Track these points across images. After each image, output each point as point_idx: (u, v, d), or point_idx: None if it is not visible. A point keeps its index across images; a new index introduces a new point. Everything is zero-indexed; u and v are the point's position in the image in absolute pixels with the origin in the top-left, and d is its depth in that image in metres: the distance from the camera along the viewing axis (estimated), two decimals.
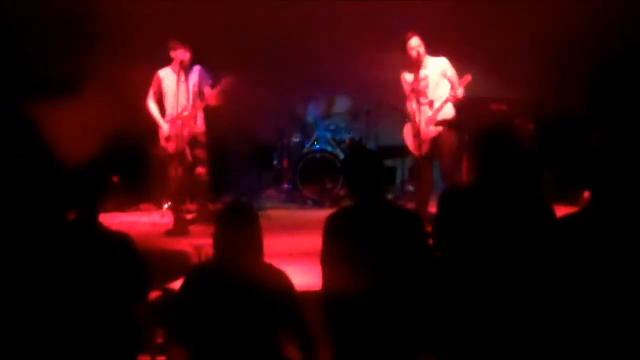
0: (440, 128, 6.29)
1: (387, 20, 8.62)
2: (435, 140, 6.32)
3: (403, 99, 6.52)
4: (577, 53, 7.81)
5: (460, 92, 6.19)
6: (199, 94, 6.66)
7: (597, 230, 2.75)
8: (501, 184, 3.02)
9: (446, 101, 6.24)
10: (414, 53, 6.22)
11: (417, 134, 6.35)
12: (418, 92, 6.29)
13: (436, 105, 6.27)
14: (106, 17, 7.66)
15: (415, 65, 6.28)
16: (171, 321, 3.28)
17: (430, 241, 3.28)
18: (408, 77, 6.37)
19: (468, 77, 6.19)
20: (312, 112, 8.75)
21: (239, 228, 3.20)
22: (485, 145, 3.07)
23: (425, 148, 6.34)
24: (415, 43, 6.22)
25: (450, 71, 6.30)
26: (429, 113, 6.28)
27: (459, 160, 6.40)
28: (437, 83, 6.30)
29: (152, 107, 6.69)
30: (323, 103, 8.69)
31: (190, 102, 6.63)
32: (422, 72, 6.30)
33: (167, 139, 6.59)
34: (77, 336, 3.06)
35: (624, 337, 2.66)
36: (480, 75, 8.12)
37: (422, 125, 6.31)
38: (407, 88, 6.40)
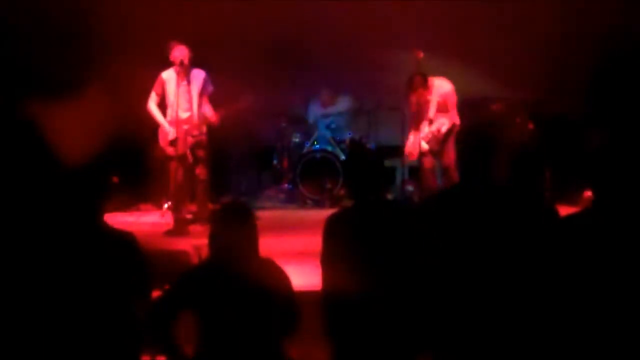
0: (427, 147, 6.82)
1: (387, 20, 8.61)
2: (422, 155, 6.89)
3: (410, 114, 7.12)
4: (577, 53, 7.81)
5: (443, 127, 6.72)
6: (201, 99, 6.69)
7: (598, 231, 2.75)
8: (486, 182, 2.93)
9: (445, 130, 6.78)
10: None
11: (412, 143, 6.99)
12: (423, 109, 6.79)
13: (434, 126, 6.74)
14: (107, 17, 7.66)
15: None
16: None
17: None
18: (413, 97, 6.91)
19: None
20: (313, 110, 8.74)
21: (235, 227, 3.21)
22: (467, 143, 2.99)
23: (413, 157, 7.03)
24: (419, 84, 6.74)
25: (451, 99, 6.77)
26: (426, 130, 6.73)
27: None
28: (436, 106, 6.77)
29: (154, 109, 6.70)
30: (325, 97, 8.69)
31: (195, 108, 6.65)
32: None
33: (173, 142, 6.57)
34: (80, 336, 3.06)
35: (625, 337, 2.66)
36: (480, 75, 8.15)
37: (418, 138, 6.91)
38: (413, 105, 6.94)
